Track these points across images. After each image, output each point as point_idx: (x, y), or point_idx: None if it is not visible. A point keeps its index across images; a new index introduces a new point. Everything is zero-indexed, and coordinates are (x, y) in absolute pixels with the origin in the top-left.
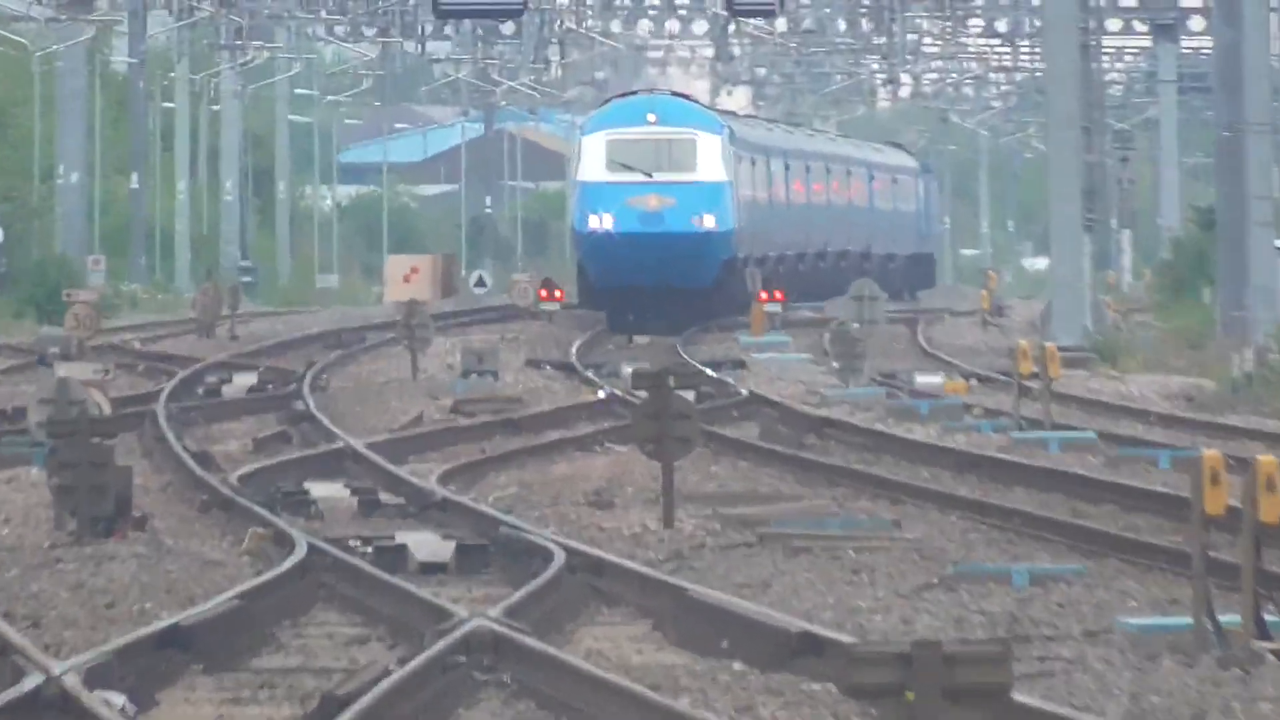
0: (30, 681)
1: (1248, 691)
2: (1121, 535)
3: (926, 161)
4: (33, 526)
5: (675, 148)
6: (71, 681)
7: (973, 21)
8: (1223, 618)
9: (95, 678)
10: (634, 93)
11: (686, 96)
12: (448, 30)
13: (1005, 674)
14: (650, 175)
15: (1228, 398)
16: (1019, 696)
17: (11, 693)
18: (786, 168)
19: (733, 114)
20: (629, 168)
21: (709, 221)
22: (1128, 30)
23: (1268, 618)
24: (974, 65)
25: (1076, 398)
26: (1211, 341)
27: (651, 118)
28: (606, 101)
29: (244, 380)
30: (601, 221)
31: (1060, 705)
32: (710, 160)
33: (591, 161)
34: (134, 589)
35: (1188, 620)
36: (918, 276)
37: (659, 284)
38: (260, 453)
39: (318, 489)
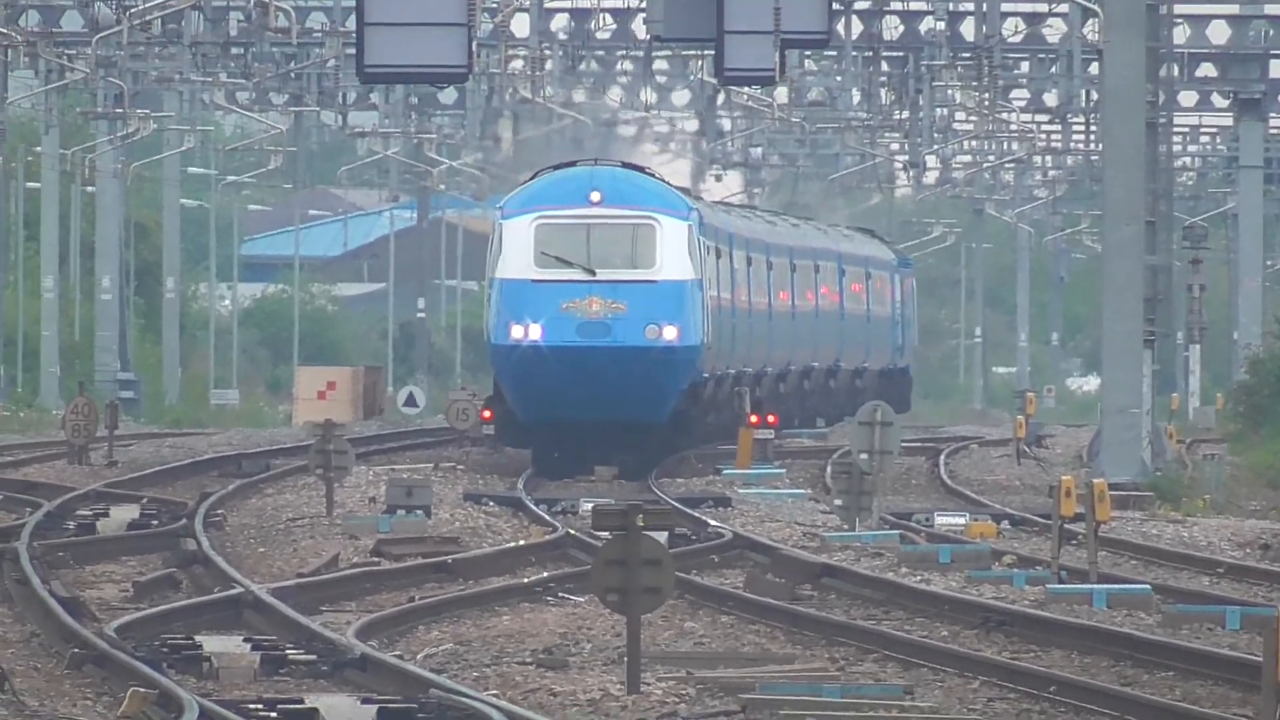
0: None
1: None
2: (1178, 706)
3: (905, 255)
4: None
5: (628, 236)
6: None
7: (1015, 93)
8: None
9: None
10: (572, 163)
11: (642, 169)
12: (374, 99)
13: None
14: (593, 272)
15: None
16: None
17: None
18: (753, 262)
19: (685, 191)
20: (565, 262)
21: (670, 333)
22: (1204, 105)
23: None
24: (1015, 146)
25: (1130, 544)
26: None
27: (595, 196)
28: (535, 175)
29: (123, 514)
30: (527, 332)
31: None
32: (674, 253)
33: (515, 253)
34: None
35: None
36: (891, 398)
37: (602, 418)
38: (142, 599)
39: (212, 643)
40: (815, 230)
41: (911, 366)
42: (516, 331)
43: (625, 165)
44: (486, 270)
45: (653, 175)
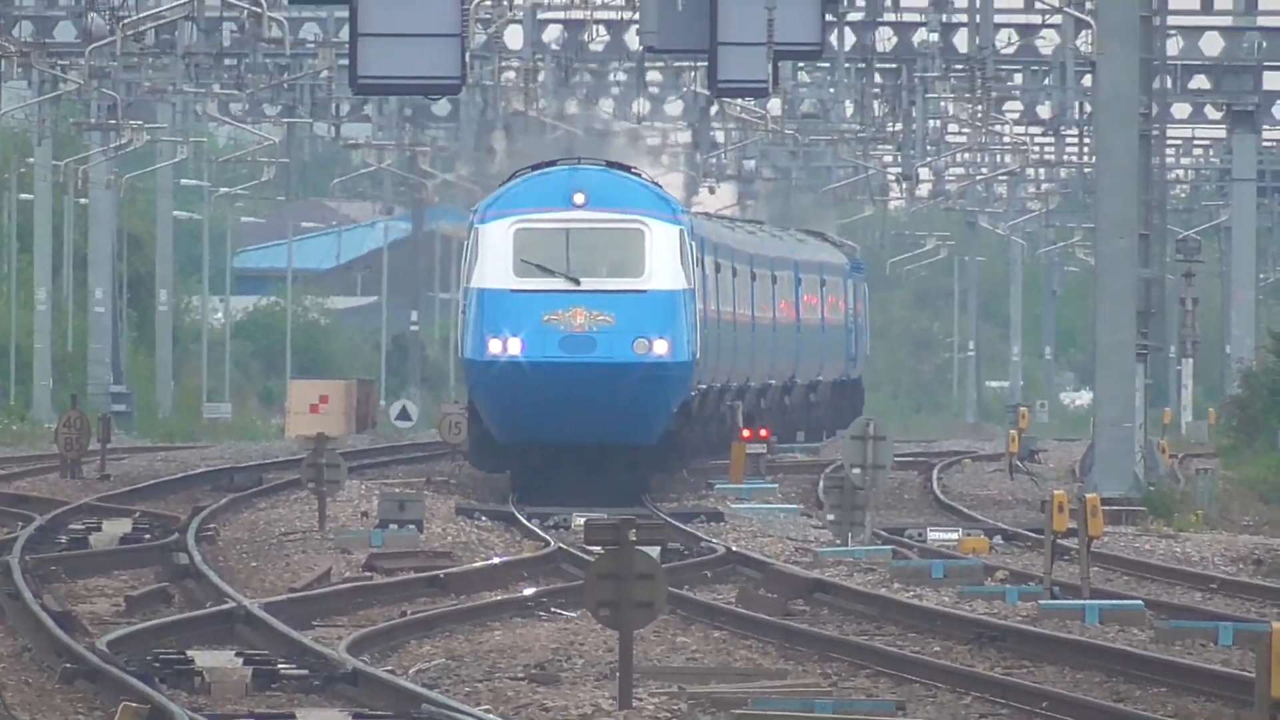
0: None
1: None
2: None
3: (857, 258)
4: None
5: (615, 241)
6: None
7: (1008, 105)
8: None
9: None
10: (553, 163)
11: (629, 168)
12: (368, 110)
13: None
14: (577, 281)
15: None
16: None
17: None
18: (737, 272)
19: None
20: (546, 270)
21: (661, 348)
22: (1198, 117)
23: None
24: (1008, 158)
25: (1122, 559)
26: None
27: (579, 198)
28: (515, 175)
29: (116, 528)
30: (505, 346)
31: None
32: (665, 260)
33: (493, 261)
34: None
35: None
36: (844, 410)
37: (587, 440)
38: (134, 614)
39: (204, 657)
40: (771, 236)
41: (865, 378)
42: (494, 346)
43: (610, 165)
44: (461, 279)
45: (640, 176)
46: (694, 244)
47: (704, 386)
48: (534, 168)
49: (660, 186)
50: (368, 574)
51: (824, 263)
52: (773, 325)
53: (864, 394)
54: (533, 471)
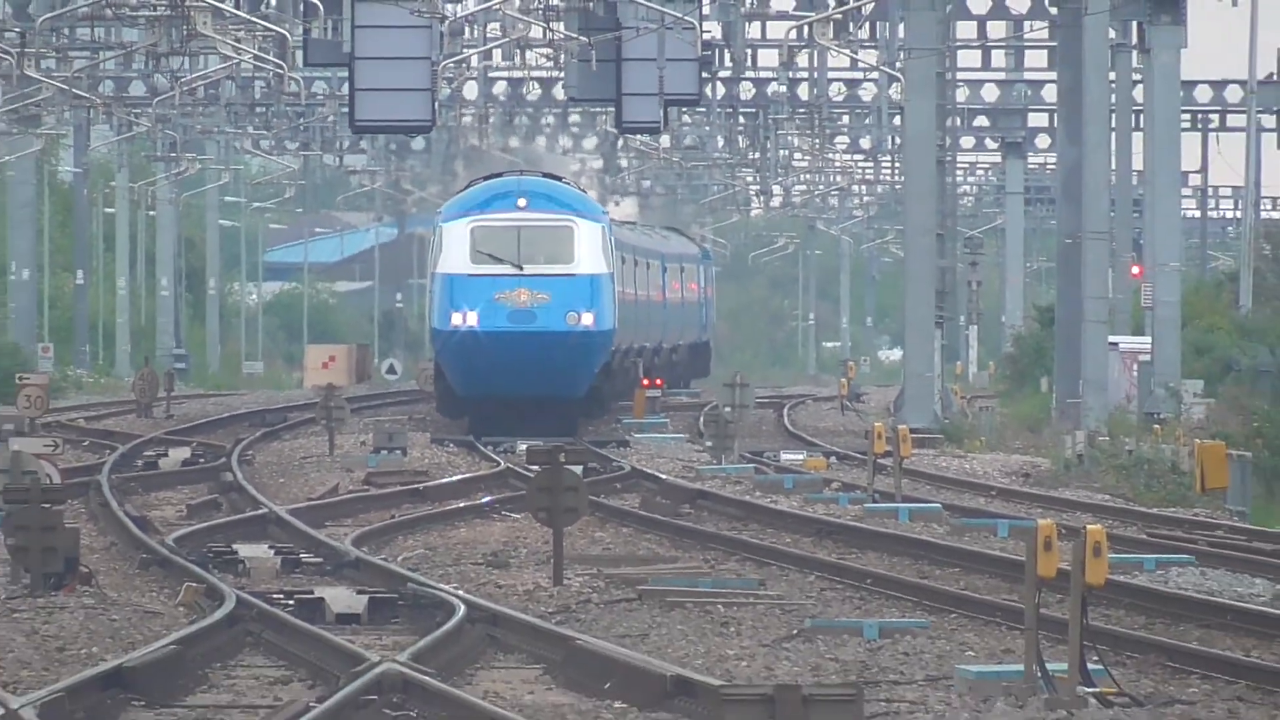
0: None
1: None
2: (962, 594)
3: (706, 249)
4: None
5: (551, 236)
6: (27, 715)
7: (839, 139)
8: (1051, 666)
9: (48, 713)
10: (501, 174)
11: (560, 178)
12: (363, 145)
13: (857, 715)
14: (521, 267)
15: (1061, 475)
16: None
17: None
18: (634, 262)
19: None
20: (497, 259)
21: (587, 319)
22: (980, 147)
23: (1091, 666)
24: (839, 178)
25: (925, 474)
26: (1047, 425)
27: (522, 202)
28: (471, 184)
29: (178, 454)
30: (465, 319)
31: None
32: (589, 250)
33: (454, 251)
34: (82, 635)
35: (1019, 668)
36: (697, 366)
37: (528, 391)
38: (193, 518)
39: (245, 549)
40: (645, 233)
41: (711, 341)
42: (456, 318)
43: (546, 175)
44: (429, 266)
45: (570, 184)
46: (612, 238)
47: (618, 349)
48: (486, 178)
49: (586, 193)
50: (366, 487)
51: (682, 253)
52: (652, 302)
53: (711, 353)
54: (487, 418)
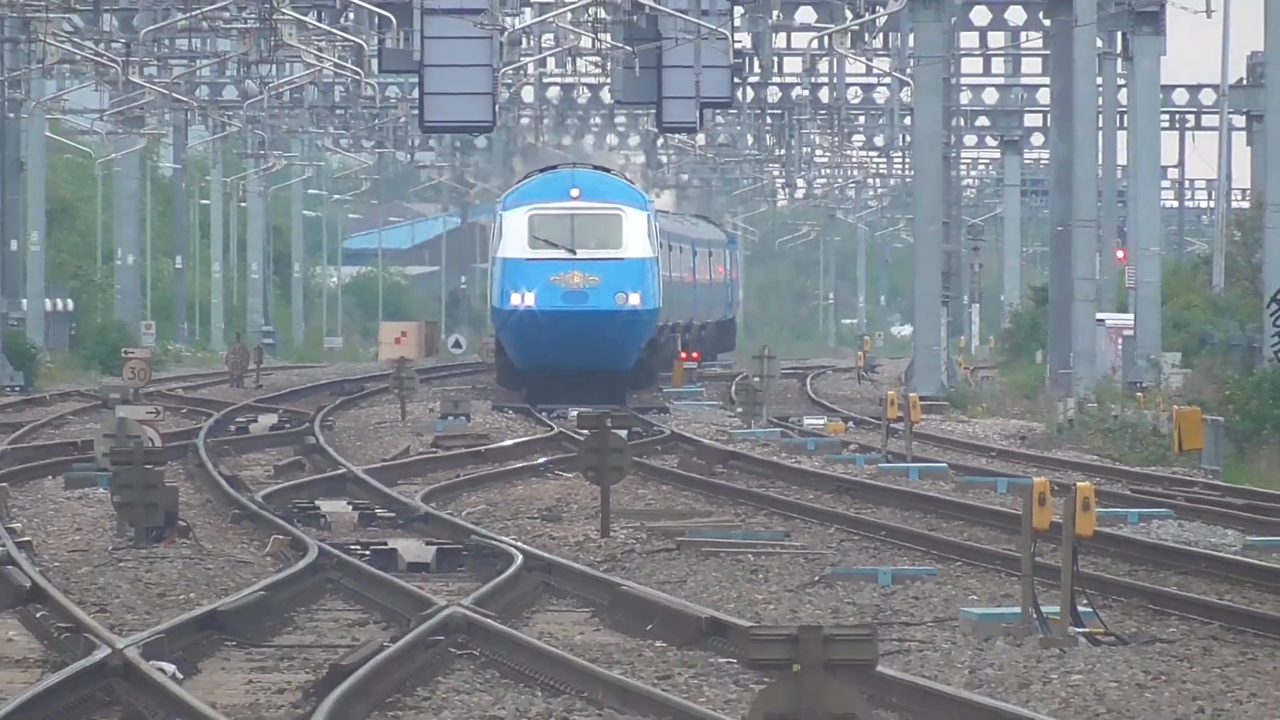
0: (99, 654)
1: (1063, 666)
2: (966, 544)
3: (733, 235)
4: (99, 534)
5: (600, 223)
6: (132, 654)
7: (855, 137)
8: (1045, 609)
9: (151, 651)
10: (555, 167)
11: (610, 170)
12: (431, 143)
13: (872, 651)
14: (574, 252)
15: (1054, 437)
16: (883, 669)
17: (84, 662)
18: (671, 247)
19: None
20: (552, 244)
21: (634, 300)
22: (981, 144)
23: (1080, 609)
24: (856, 172)
25: (933, 437)
26: (1042, 393)
27: (575, 192)
28: (529, 175)
29: (266, 420)
30: (523, 299)
31: (915, 676)
32: (636, 236)
33: (513, 237)
34: (180, 582)
35: (1017, 611)
36: (724, 341)
37: (581, 365)
38: (280, 477)
39: (326, 505)
40: (679, 221)
41: (738, 318)
42: (515, 299)
43: (597, 168)
44: (490, 251)
45: (619, 176)
46: (656, 225)
47: (661, 325)
48: (542, 170)
49: (633, 184)
50: (434, 449)
51: (711, 239)
52: (686, 283)
53: (736, 330)
54: (543, 388)
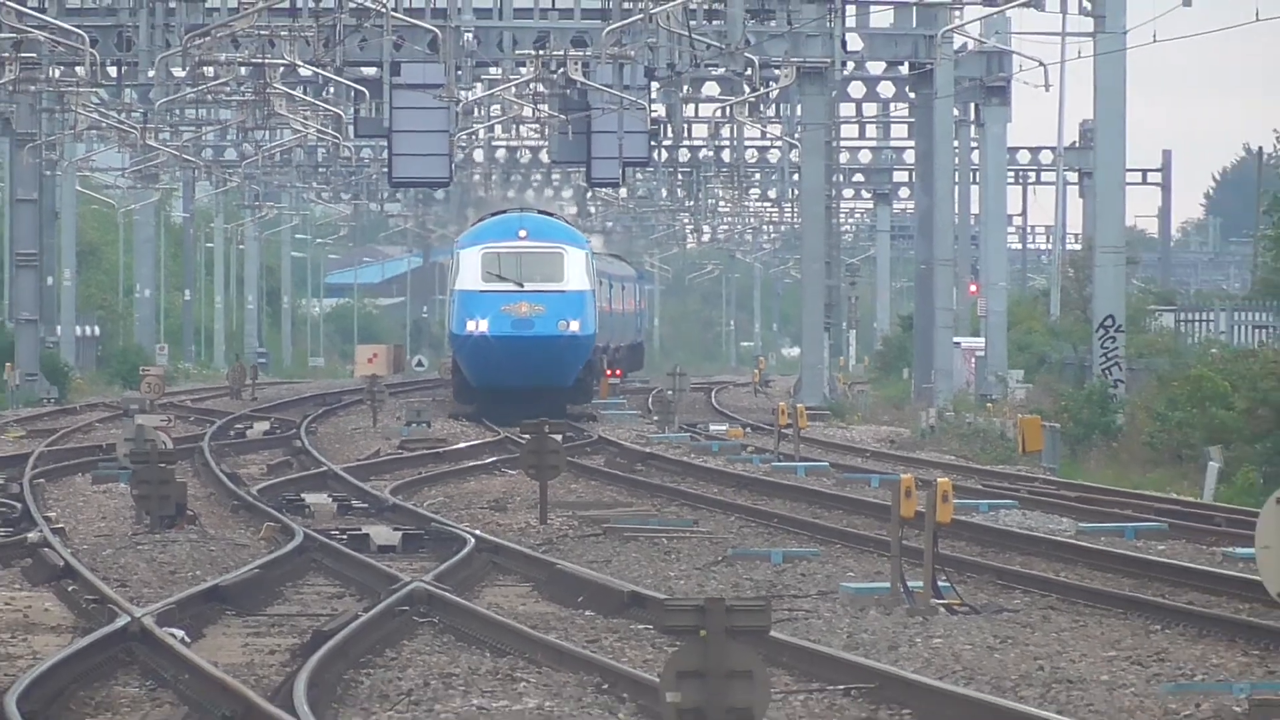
0: (120, 621)
1: (926, 631)
2: (845, 530)
3: (646, 271)
4: (120, 521)
5: (544, 260)
6: (148, 621)
7: (752, 190)
8: (911, 584)
9: (164, 619)
10: (505, 211)
11: (552, 214)
12: (398, 196)
13: (767, 619)
14: (522, 285)
15: (918, 441)
16: (776, 634)
17: (108, 628)
18: (599, 281)
19: None
20: (503, 278)
21: (574, 326)
22: (857, 196)
23: (940, 584)
24: (752, 220)
25: (817, 440)
26: (908, 404)
27: (523, 233)
28: (481, 219)
29: (261, 427)
30: (478, 326)
31: (802, 639)
32: (576, 272)
33: (469, 272)
34: (189, 562)
35: (887, 585)
36: (634, 361)
37: (527, 384)
38: (272, 474)
39: (310, 497)
40: (596, 259)
41: (645, 342)
42: (470, 325)
43: (542, 212)
44: (448, 285)
45: (560, 219)
46: (594, 263)
47: (596, 348)
48: (493, 213)
49: (574, 226)
50: (400, 451)
51: (624, 275)
52: (606, 312)
53: (644, 352)
54: (495, 404)
